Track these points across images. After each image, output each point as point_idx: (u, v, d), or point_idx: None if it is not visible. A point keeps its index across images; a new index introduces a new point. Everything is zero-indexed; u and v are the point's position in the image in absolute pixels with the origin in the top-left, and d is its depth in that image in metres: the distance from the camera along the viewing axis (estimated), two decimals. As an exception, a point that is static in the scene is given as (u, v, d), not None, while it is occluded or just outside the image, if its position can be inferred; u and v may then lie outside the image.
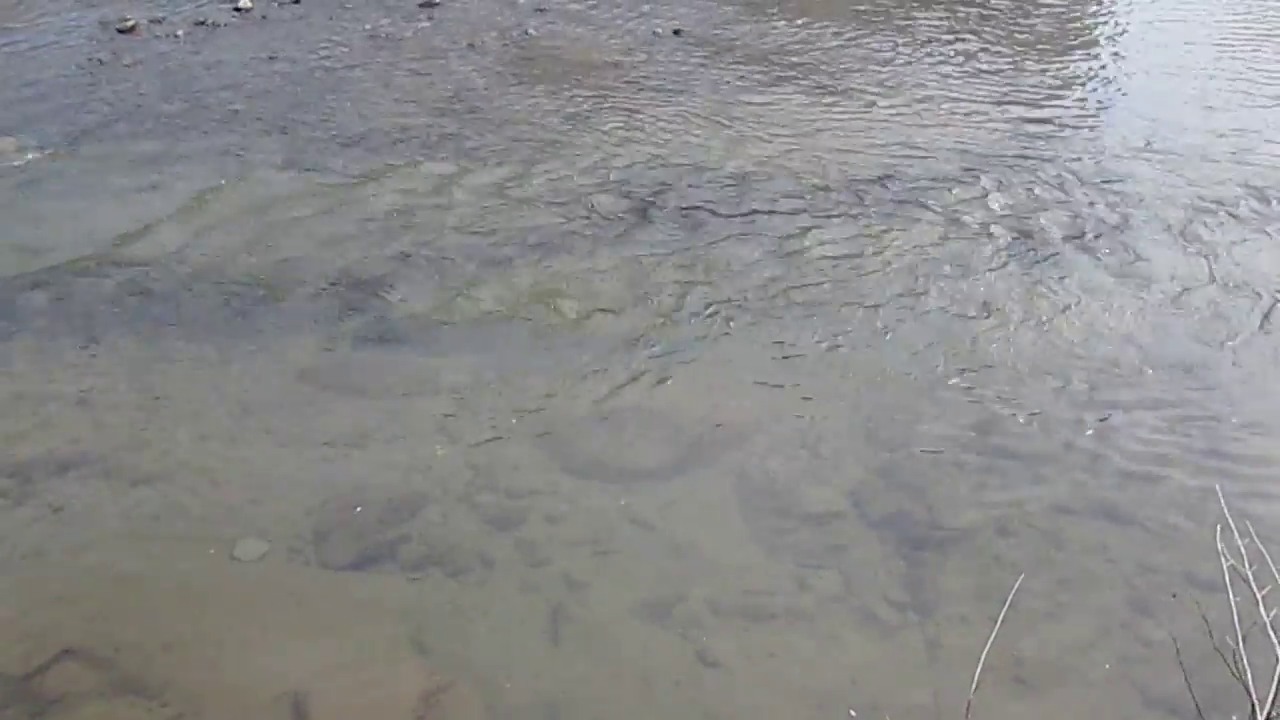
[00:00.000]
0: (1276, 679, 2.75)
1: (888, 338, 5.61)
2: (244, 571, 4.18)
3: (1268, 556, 3.14)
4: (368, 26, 10.43)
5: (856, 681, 3.73)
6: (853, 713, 3.65)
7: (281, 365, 5.35)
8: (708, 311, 5.81)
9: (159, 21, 10.41)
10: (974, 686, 3.11)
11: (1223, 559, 3.05)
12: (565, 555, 4.25)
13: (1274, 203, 6.99)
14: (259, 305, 5.83)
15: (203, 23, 10.35)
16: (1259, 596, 2.94)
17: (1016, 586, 3.42)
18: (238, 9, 10.75)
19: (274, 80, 9.01)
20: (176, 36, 10.01)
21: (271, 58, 9.50)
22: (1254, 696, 2.78)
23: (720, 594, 4.07)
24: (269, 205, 6.87)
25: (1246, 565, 3.03)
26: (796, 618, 3.99)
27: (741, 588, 4.10)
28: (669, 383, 5.27)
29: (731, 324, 5.71)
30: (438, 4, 11.15)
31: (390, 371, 5.32)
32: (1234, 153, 7.78)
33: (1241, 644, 2.88)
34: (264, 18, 10.62)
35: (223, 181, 7.16)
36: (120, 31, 10.06)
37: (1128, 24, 11.45)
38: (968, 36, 10.54)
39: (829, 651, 3.86)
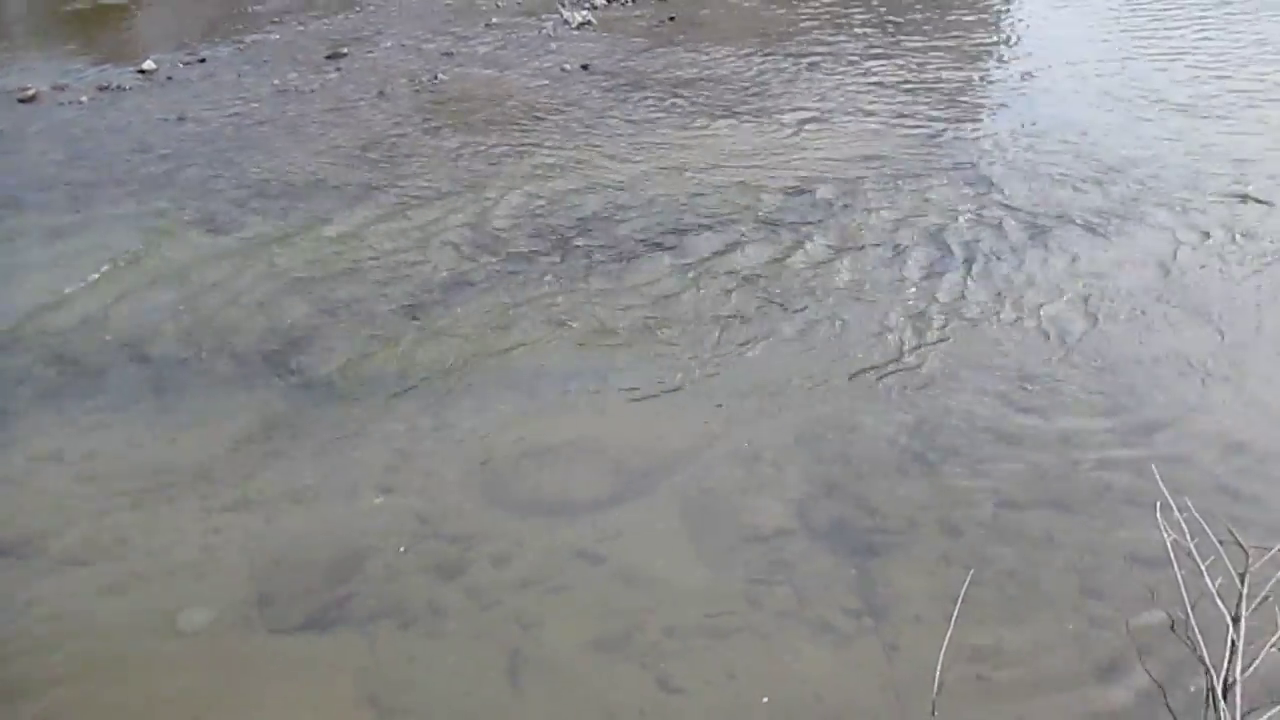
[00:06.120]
0: (1228, 646, 2.79)
1: (817, 350, 5.65)
2: (189, 644, 4.05)
3: (1207, 528, 3.21)
4: (276, 81, 10.34)
5: (820, 694, 3.72)
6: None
7: (211, 430, 5.22)
8: (635, 339, 5.81)
9: (61, 89, 10.21)
10: (935, 688, 3.13)
11: (1165, 534, 3.10)
12: (516, 596, 4.19)
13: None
14: (184, 371, 5.70)
15: (106, 87, 10.18)
16: (1203, 567, 3.00)
17: (967, 583, 3.45)
18: (141, 71, 10.59)
19: (184, 141, 8.88)
20: (80, 103, 9.82)
21: (180, 118, 9.36)
22: (1208, 665, 2.83)
23: (675, 619, 4.04)
24: (187, 268, 6.74)
25: (1188, 538, 3.09)
26: (753, 636, 3.97)
27: (696, 611, 4.08)
28: (603, 414, 5.24)
29: (660, 349, 5.71)
30: (345, 54, 11.10)
31: (323, 427, 5.22)
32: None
33: (1191, 615, 2.93)
34: (169, 79, 10.48)
35: (139, 246, 7.02)
36: (21, 101, 9.86)
37: (1028, 38, 11.77)
38: (870, 53, 10.76)
39: (789, 666, 3.84)
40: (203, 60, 11.00)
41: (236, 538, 4.54)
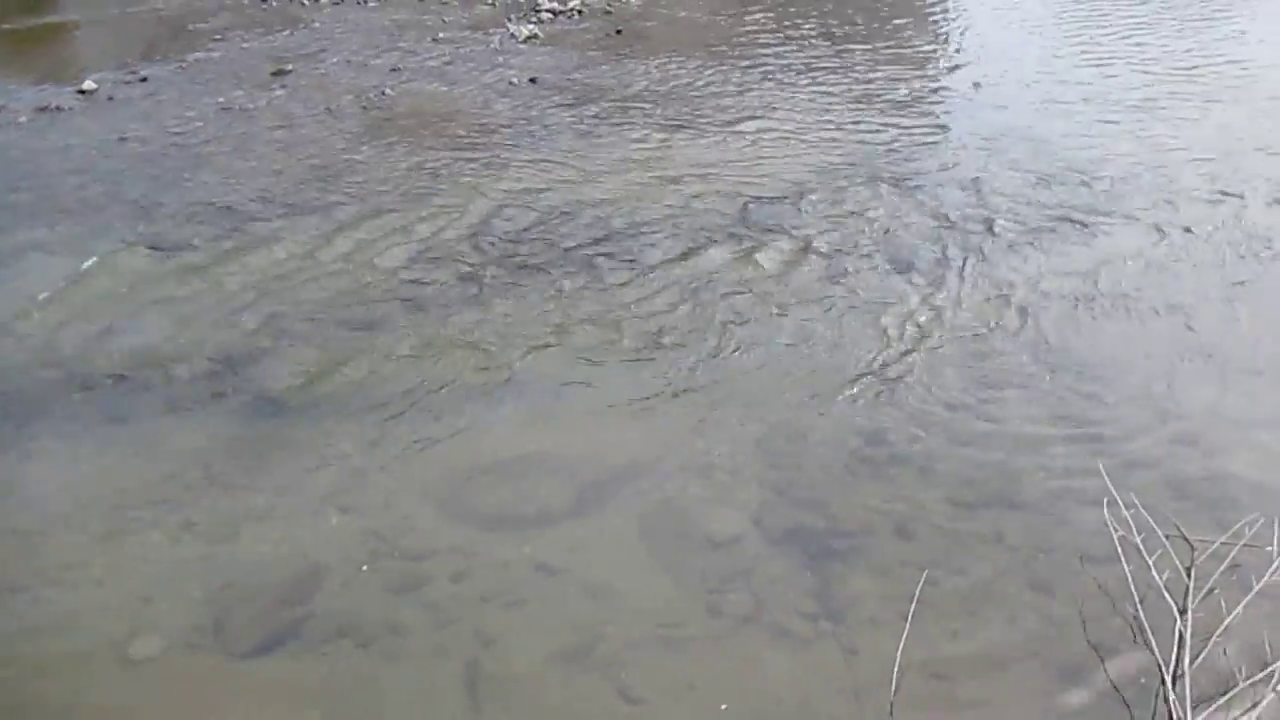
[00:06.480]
0: (1176, 639, 2.85)
1: (770, 358, 5.69)
2: (142, 672, 3.98)
3: (1153, 524, 3.27)
4: (220, 99, 10.22)
5: (779, 698, 3.74)
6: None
7: (161, 454, 5.15)
8: (588, 351, 5.82)
9: (-3, 111, 10.03)
10: (894, 689, 3.16)
11: (1112, 530, 3.16)
12: (474, 612, 4.17)
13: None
14: (132, 394, 5.61)
15: (45, 108, 10.00)
16: (1150, 562, 3.06)
17: (921, 584, 3.49)
18: (81, 91, 10.42)
19: (126, 161, 8.75)
20: (19, 124, 9.65)
21: (122, 138, 9.23)
22: (1159, 657, 2.88)
23: (635, 630, 4.04)
24: (133, 290, 6.64)
25: (1136, 534, 3.15)
26: (713, 644, 3.99)
27: (655, 621, 4.09)
28: (557, 426, 5.24)
29: (613, 360, 5.72)
30: (290, 72, 11.00)
31: (275, 447, 5.16)
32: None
33: (1140, 609, 2.98)
34: (110, 99, 10.32)
35: (82, 269, 6.90)
36: (-45, 125, 9.66)
37: (970, 45, 11.95)
38: (816, 63, 10.87)
39: (749, 672, 3.86)
40: (144, 79, 10.85)
41: (188, 562, 4.48)
